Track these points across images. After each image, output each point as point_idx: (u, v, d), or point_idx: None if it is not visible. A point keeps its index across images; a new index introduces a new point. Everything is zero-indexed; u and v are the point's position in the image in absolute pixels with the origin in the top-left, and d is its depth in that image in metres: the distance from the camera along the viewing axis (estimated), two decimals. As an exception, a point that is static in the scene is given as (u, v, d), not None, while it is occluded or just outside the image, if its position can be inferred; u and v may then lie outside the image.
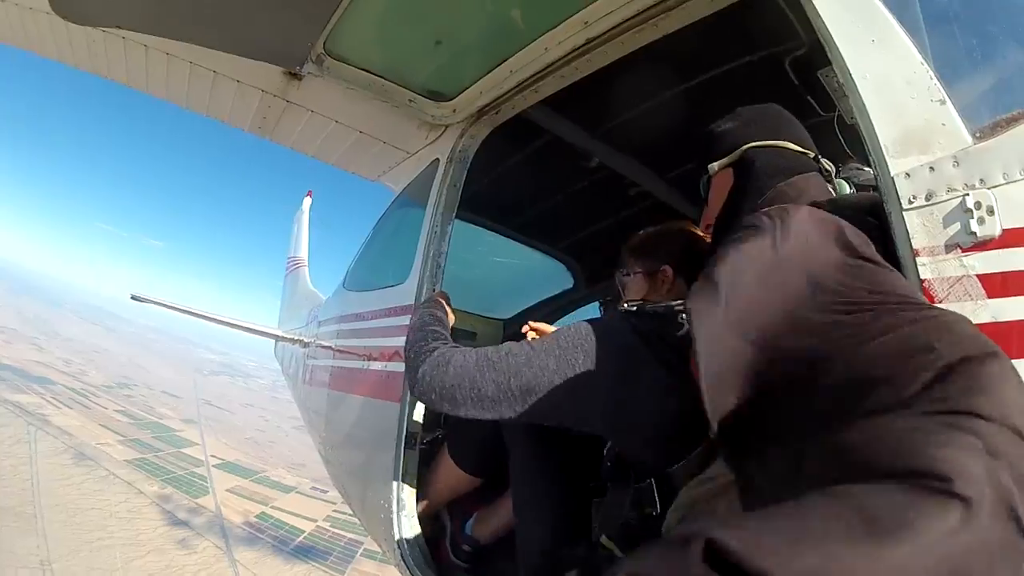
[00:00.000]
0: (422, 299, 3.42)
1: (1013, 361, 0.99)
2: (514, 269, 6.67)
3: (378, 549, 4.43)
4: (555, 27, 2.95)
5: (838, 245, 1.43)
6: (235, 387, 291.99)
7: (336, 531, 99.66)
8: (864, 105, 1.61)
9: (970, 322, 1.13)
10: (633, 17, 2.64)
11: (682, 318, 2.15)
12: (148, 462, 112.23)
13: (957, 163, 1.45)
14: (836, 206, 1.81)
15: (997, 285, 1.38)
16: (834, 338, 1.20)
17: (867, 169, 2.28)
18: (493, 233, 6.12)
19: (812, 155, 2.14)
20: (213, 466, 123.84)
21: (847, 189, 2.47)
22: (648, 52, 2.78)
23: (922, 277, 1.45)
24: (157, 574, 74.97)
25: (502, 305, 6.80)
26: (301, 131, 4.70)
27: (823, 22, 1.72)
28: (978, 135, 1.46)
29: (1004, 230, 1.38)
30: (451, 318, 3.05)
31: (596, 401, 2.05)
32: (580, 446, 2.65)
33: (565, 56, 3.01)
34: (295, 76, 4.01)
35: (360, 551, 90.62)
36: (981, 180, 1.42)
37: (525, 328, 3.22)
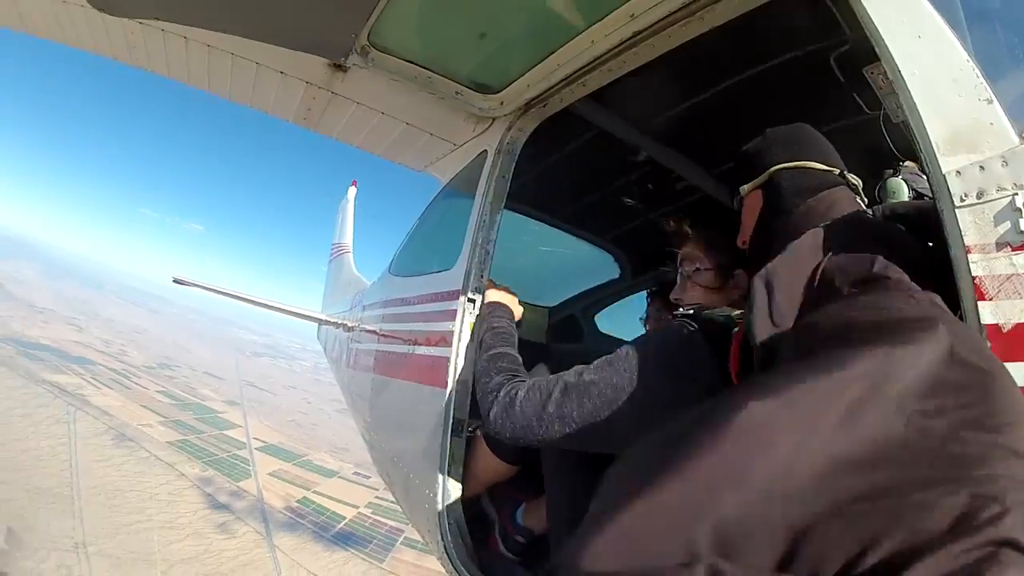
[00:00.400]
0: (471, 285, 3.45)
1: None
2: (560, 258, 6.67)
3: (419, 538, 4.44)
4: (602, 20, 2.94)
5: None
6: (278, 369, 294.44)
7: (377, 518, 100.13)
8: (914, 102, 1.62)
9: None
10: (679, 10, 2.63)
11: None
12: (190, 443, 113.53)
13: (1006, 163, 1.46)
14: (859, 217, 1.97)
15: (1045, 284, 1.40)
16: None
17: (923, 176, 2.32)
18: (539, 222, 6.13)
19: (838, 171, 2.22)
20: (256, 449, 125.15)
21: (904, 190, 2.51)
22: (695, 47, 2.76)
23: (973, 274, 1.46)
24: (194, 558, 75.43)
25: (548, 293, 6.89)
26: (347, 123, 4.72)
27: (869, 16, 1.73)
28: (1023, 135, 1.48)
29: (1051, 231, 1.40)
30: (516, 311, 3.19)
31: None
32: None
33: (612, 49, 3.00)
34: (340, 68, 4.02)
35: (400, 539, 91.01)
36: (1030, 181, 1.44)
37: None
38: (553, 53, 3.27)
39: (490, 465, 3.41)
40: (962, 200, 1.51)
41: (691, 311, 2.28)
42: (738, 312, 2.17)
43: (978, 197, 1.49)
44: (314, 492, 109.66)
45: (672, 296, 3.16)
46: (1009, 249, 1.43)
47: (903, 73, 1.64)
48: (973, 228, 1.49)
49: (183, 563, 73.98)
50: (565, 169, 5.09)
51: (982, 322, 1.45)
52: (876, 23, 1.71)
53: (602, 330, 7.01)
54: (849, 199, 2.14)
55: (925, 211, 1.79)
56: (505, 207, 3.74)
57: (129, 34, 4.11)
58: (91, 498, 78.88)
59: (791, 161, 2.29)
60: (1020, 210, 1.42)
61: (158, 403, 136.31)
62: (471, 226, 3.70)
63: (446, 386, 3.40)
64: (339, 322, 7.55)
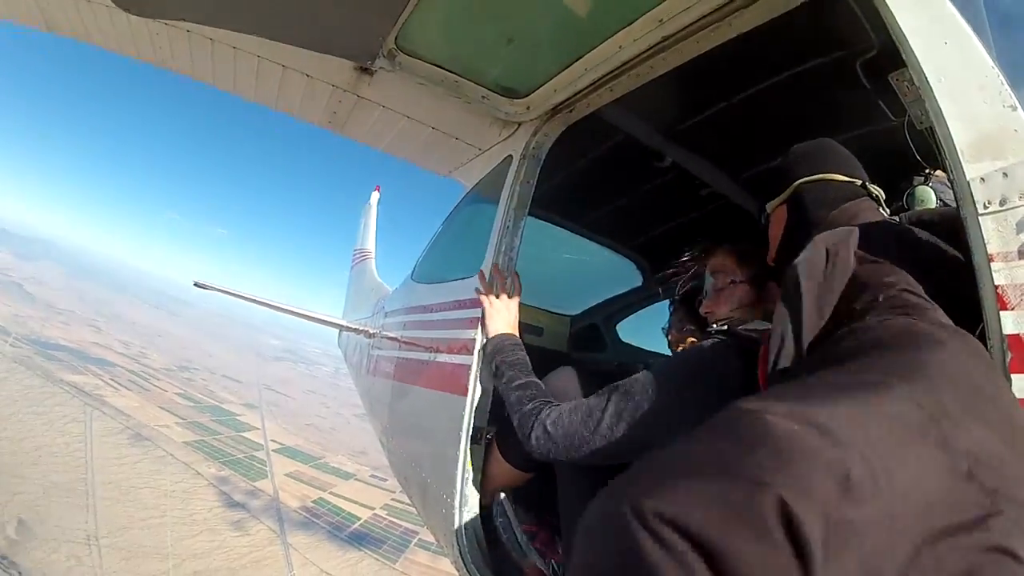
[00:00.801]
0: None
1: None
2: (583, 265, 6.63)
3: (433, 540, 4.46)
4: (630, 25, 2.92)
5: None
6: (297, 373, 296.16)
7: (392, 520, 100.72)
8: (939, 108, 1.60)
9: None
10: (708, 15, 2.63)
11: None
12: (207, 444, 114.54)
13: (1030, 170, 1.45)
14: (881, 225, 2.00)
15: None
16: None
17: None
18: (562, 229, 6.09)
19: (860, 182, 2.26)
20: (273, 451, 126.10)
21: (932, 198, 2.50)
22: (722, 52, 2.76)
23: (996, 283, 1.45)
24: (208, 553, 76.27)
25: (570, 301, 6.83)
26: (372, 126, 4.72)
27: (897, 22, 1.72)
28: None
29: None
30: (515, 326, 3.25)
31: None
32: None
33: (640, 55, 2.99)
34: (366, 71, 4.02)
35: (415, 541, 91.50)
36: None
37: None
38: (580, 58, 3.26)
39: (501, 470, 3.39)
40: (985, 207, 1.50)
41: (725, 326, 2.30)
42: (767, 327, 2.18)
43: (1001, 204, 1.47)
44: (330, 493, 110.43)
45: (703, 310, 3.11)
46: (1032, 258, 1.42)
47: (929, 79, 1.63)
48: (996, 236, 1.47)
49: (195, 557, 74.88)
50: (588, 175, 5.05)
51: (1004, 332, 1.43)
52: (903, 29, 1.70)
53: (624, 339, 6.91)
54: (872, 209, 2.18)
55: (950, 218, 1.77)
56: (528, 213, 3.73)
57: (155, 35, 4.12)
58: (105, 493, 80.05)
59: (813, 174, 2.32)
60: None
61: (176, 405, 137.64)
62: (495, 232, 3.68)
63: (466, 394, 3.39)
64: (360, 328, 7.57)
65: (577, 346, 6.64)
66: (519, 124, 3.97)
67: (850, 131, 3.40)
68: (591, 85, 3.34)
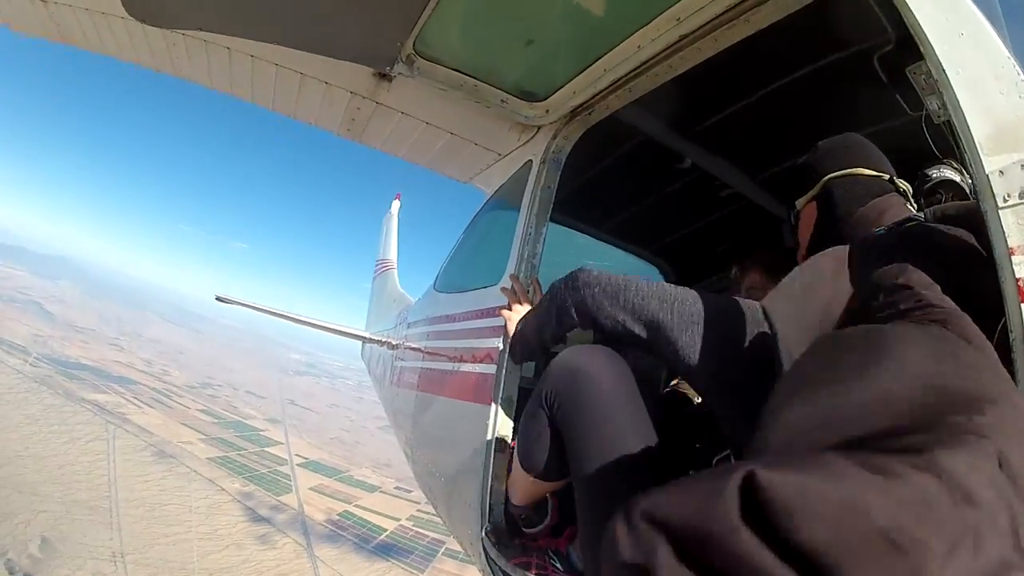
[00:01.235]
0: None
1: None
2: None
3: (460, 549, 4.42)
4: (647, 24, 2.92)
5: None
6: (320, 387, 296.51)
7: (419, 530, 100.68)
8: (957, 101, 1.58)
9: None
10: (725, 12, 2.62)
11: None
12: (231, 460, 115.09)
13: (1048, 162, 1.42)
14: (903, 223, 2.00)
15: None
16: None
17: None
18: (583, 233, 6.06)
19: (887, 177, 2.27)
20: (297, 465, 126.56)
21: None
22: (741, 49, 2.75)
23: (1017, 276, 1.41)
24: (234, 568, 76.67)
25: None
26: (391, 133, 4.72)
27: (913, 14, 1.69)
28: None
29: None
30: None
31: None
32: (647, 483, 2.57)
33: (658, 54, 2.98)
34: (385, 77, 4.02)
35: (442, 550, 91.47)
36: (1070, 181, 1.39)
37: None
38: (599, 59, 3.25)
39: (524, 482, 3.34)
40: (1005, 200, 1.47)
41: None
42: None
43: (1021, 197, 1.44)
44: (355, 506, 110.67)
45: None
46: (1051, 250, 1.39)
47: (947, 71, 1.61)
48: (1016, 229, 1.44)
49: (222, 572, 75.40)
50: (610, 177, 5.04)
51: None
52: (919, 20, 1.68)
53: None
54: (900, 205, 2.20)
55: (974, 212, 1.73)
56: (550, 218, 3.70)
57: (171, 45, 4.14)
58: (129, 510, 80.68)
59: (841, 169, 2.33)
60: None
61: (199, 421, 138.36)
62: (516, 239, 3.67)
63: (491, 403, 3.38)
64: (383, 340, 7.58)
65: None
66: (538, 128, 3.95)
67: (870, 126, 3.39)
68: (610, 86, 3.32)
